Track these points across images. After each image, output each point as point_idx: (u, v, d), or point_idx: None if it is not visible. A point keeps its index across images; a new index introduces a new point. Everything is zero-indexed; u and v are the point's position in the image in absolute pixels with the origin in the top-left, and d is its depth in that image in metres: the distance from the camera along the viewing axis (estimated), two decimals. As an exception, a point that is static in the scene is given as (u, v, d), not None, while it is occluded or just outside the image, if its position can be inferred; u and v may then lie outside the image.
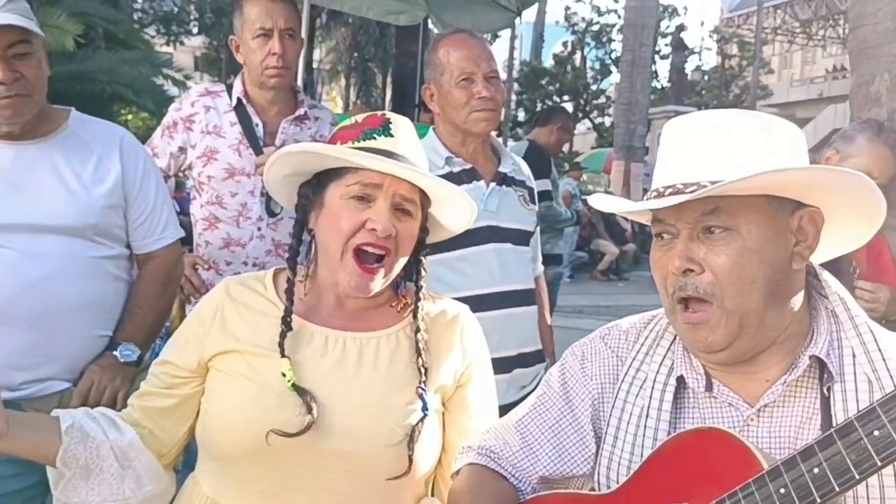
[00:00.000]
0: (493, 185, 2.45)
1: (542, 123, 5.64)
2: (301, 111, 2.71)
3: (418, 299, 1.56)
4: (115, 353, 2.05)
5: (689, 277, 1.18)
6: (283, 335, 1.46)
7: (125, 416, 1.57)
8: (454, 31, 2.57)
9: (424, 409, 1.46)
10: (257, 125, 2.64)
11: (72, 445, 1.45)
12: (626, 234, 14.97)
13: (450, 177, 2.38)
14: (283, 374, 1.42)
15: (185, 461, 2.69)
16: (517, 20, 4.81)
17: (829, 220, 1.21)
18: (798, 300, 1.21)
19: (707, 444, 1.14)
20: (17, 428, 1.39)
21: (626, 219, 15.15)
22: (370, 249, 1.44)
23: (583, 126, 35.76)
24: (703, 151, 1.18)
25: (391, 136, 1.47)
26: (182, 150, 2.64)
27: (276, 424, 1.38)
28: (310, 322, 1.52)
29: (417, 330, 1.52)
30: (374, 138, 1.46)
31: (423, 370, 1.49)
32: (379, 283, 1.48)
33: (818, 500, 0.98)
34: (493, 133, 2.60)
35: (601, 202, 1.34)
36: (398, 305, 1.57)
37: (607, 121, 33.87)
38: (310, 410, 1.38)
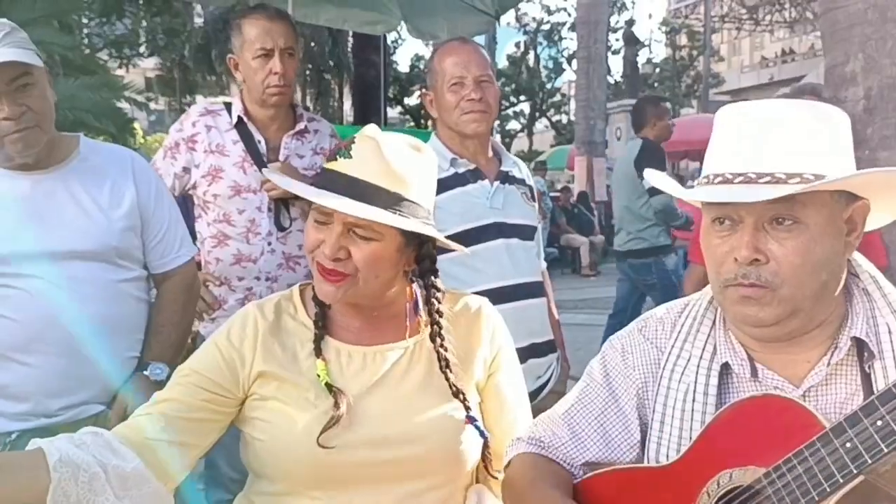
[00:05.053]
0: (497, 183, 2.51)
1: (638, 127, 5.42)
2: (301, 125, 2.74)
3: (435, 322, 1.57)
4: (145, 372, 2.07)
5: (752, 267, 1.19)
6: (318, 338, 1.52)
7: (148, 423, 1.45)
8: (450, 40, 2.67)
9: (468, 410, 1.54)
10: (259, 142, 2.66)
11: (62, 482, 1.28)
12: (593, 225, 15.08)
13: (456, 177, 2.46)
14: (318, 375, 1.46)
15: (208, 477, 2.70)
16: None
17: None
18: (841, 284, 1.24)
19: (765, 410, 1.17)
20: None
21: (591, 211, 15.36)
22: (327, 265, 1.48)
23: (540, 124, 36.03)
24: (776, 141, 1.19)
25: (349, 157, 1.47)
26: (186, 170, 2.65)
27: (317, 430, 1.42)
28: (328, 336, 1.56)
29: (447, 364, 1.54)
30: (336, 159, 1.48)
31: (462, 397, 1.54)
32: (341, 292, 1.48)
33: (885, 450, 1.03)
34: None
35: (669, 186, 1.35)
36: (416, 326, 1.59)
37: (564, 118, 34.19)
38: (337, 405, 1.43)
